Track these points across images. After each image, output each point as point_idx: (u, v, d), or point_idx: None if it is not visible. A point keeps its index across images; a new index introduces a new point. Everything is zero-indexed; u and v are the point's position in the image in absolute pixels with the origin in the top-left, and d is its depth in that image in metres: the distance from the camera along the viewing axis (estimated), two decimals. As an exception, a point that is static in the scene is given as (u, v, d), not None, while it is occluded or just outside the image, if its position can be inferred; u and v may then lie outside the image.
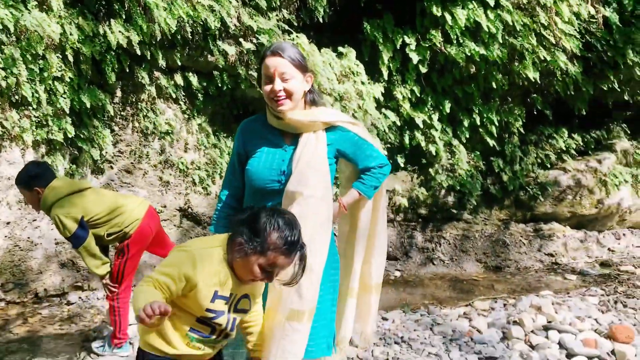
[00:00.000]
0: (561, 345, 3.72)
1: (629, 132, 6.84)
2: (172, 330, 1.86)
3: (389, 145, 5.60)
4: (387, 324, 4.09)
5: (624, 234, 6.45)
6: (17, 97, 4.16)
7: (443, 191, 5.86)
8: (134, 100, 4.83)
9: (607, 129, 6.75)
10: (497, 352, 3.55)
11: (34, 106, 4.25)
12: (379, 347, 3.67)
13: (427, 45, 5.48)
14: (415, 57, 5.45)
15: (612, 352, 3.66)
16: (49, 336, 3.97)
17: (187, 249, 1.87)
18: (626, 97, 6.42)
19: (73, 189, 3.28)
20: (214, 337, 1.92)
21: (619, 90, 6.19)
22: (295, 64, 2.26)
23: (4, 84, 4.05)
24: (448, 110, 5.69)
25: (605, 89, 6.22)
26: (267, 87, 2.26)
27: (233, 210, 2.39)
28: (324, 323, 2.39)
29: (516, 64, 5.73)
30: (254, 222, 1.86)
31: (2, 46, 4.01)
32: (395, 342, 3.79)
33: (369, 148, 2.44)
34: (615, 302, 4.45)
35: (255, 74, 4.90)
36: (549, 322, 3.96)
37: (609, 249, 6.12)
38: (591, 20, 5.95)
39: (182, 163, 5.02)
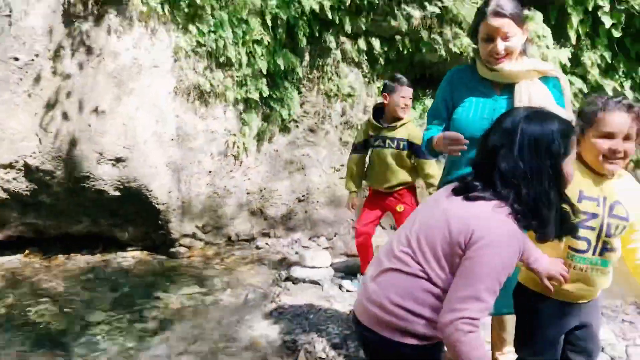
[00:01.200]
0: None
1: None
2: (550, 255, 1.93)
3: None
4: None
5: None
6: (223, 58, 4.61)
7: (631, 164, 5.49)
8: (320, 63, 5.11)
9: None
10: None
11: (236, 67, 4.68)
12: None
13: (622, 7, 5.10)
14: (608, 21, 5.11)
15: None
16: (244, 272, 4.44)
17: None
18: None
19: None
20: (591, 254, 1.93)
21: None
22: (517, 21, 2.26)
23: (213, 45, 4.51)
24: (642, 78, 5.29)
25: None
26: (488, 46, 2.29)
27: None
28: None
29: None
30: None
31: (213, 11, 4.46)
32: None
33: (562, 106, 2.41)
34: None
35: (438, 38, 4.94)
36: None
37: None
38: None
39: (360, 125, 5.23)
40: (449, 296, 1.51)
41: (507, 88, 2.37)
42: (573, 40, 5.21)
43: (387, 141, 3.74)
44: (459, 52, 4.96)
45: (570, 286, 1.95)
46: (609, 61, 5.29)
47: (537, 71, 2.37)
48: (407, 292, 1.59)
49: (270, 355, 3.16)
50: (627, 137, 1.86)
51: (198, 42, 4.44)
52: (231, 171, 4.93)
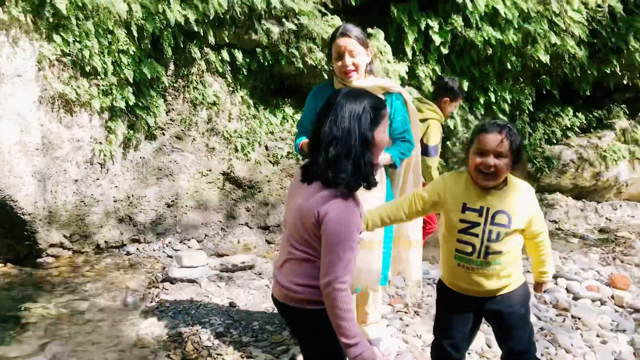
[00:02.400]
0: (568, 290, 4.32)
1: (627, 112, 7.40)
2: (445, 256, 2.40)
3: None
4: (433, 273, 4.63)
5: (620, 205, 7.06)
6: (88, 67, 4.65)
7: (459, 163, 6.43)
8: (185, 73, 5.32)
9: (607, 109, 7.32)
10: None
11: (102, 76, 4.74)
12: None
13: (448, 28, 5.98)
14: (437, 39, 5.96)
15: (612, 296, 4.26)
16: (118, 277, 4.52)
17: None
18: (625, 81, 6.97)
19: None
20: (476, 256, 2.28)
21: (620, 74, 6.74)
22: (360, 42, 2.82)
23: (79, 55, 4.54)
24: (466, 89, 6.18)
25: (608, 72, 6.76)
26: (339, 63, 2.81)
27: None
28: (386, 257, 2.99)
29: (529, 47, 6.26)
30: None
31: (78, 21, 4.49)
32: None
33: (407, 124, 3.00)
34: (614, 259, 5.06)
35: (295, 52, 5.41)
36: (557, 272, 4.56)
37: (606, 218, 6.72)
38: (598, 9, 6.47)
39: (226, 131, 5.53)
40: (321, 265, 1.92)
41: None
42: (410, 55, 5.98)
43: None
44: (314, 64, 5.47)
45: (462, 282, 2.35)
46: (439, 74, 6.14)
47: (381, 87, 2.93)
48: (301, 272, 2.01)
49: (158, 350, 3.36)
50: (498, 154, 2.17)
51: (63, 51, 4.44)
52: (98, 179, 4.95)
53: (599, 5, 6.44)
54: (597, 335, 3.62)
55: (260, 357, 3.20)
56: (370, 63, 2.94)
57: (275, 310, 2.87)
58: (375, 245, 2.88)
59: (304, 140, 2.93)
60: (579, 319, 3.85)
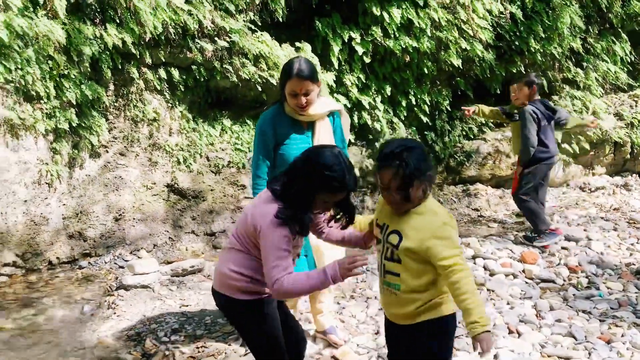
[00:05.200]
0: (485, 268, 4.89)
1: (534, 107, 8.20)
2: None
3: (341, 125, 6.63)
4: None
5: (534, 191, 7.81)
6: (32, 92, 4.89)
7: (387, 161, 6.97)
8: (125, 92, 5.61)
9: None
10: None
11: (45, 100, 4.98)
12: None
13: (369, 39, 6.52)
14: (360, 50, 6.49)
15: (523, 270, 4.86)
16: (73, 290, 4.76)
17: None
18: (531, 78, 7.74)
19: None
20: (380, 274, 2.33)
21: (524, 72, 7.48)
22: (313, 81, 3.11)
23: (22, 81, 4.78)
24: (389, 93, 6.76)
25: (514, 71, 7.52)
26: (294, 100, 3.10)
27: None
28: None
29: (442, 53, 6.91)
30: None
31: (19, 49, 4.73)
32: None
33: (342, 135, 3.46)
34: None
35: (229, 67, 5.81)
36: (476, 252, 5.14)
37: (522, 203, 7.45)
38: (501, 15, 7.21)
39: (168, 145, 5.85)
40: (264, 270, 2.27)
41: (310, 124, 3.28)
42: (336, 65, 6.47)
43: None
44: (247, 78, 5.88)
45: (381, 300, 2.41)
46: (364, 81, 6.67)
47: (329, 111, 3.34)
48: (238, 260, 2.40)
49: (120, 349, 3.68)
50: (389, 188, 2.17)
51: (6, 78, 4.66)
52: (46, 198, 5.17)
53: (501, 12, 7.17)
54: (507, 303, 4.19)
55: (213, 346, 3.58)
56: (319, 90, 3.31)
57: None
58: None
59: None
60: (493, 291, 4.41)
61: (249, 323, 2.44)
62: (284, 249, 2.22)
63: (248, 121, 6.36)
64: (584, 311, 4.05)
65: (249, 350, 3.33)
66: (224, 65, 5.83)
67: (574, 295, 4.36)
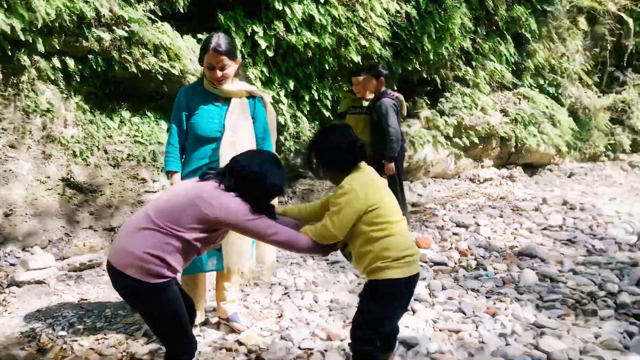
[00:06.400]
0: (382, 253, 5.14)
1: (429, 103, 8.69)
2: None
3: (244, 118, 6.67)
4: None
5: (429, 183, 8.26)
6: None
7: (292, 154, 7.12)
8: (15, 81, 5.32)
9: (413, 101, 8.52)
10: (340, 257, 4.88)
11: None
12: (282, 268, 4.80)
13: (272, 33, 6.61)
14: (263, 43, 6.55)
15: (417, 254, 5.17)
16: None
17: None
18: (425, 75, 8.20)
19: None
20: None
21: (420, 69, 7.91)
22: (230, 58, 3.28)
23: None
24: (292, 88, 6.88)
25: (410, 69, 7.91)
26: (211, 73, 3.26)
27: (181, 153, 3.37)
28: None
29: (343, 49, 7.13)
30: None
31: None
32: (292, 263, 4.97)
33: (266, 123, 3.55)
34: (420, 225, 6.04)
35: (128, 57, 5.68)
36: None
37: (418, 194, 7.85)
38: (397, 14, 7.55)
39: (63, 137, 5.62)
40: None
41: (227, 100, 3.38)
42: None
43: None
44: (148, 69, 5.78)
45: None
46: (268, 75, 6.75)
47: (246, 91, 3.43)
48: (154, 243, 2.40)
49: (11, 346, 3.52)
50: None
51: None
52: None
53: (397, 12, 7.51)
54: (403, 285, 4.44)
55: (114, 337, 3.53)
56: (238, 69, 3.42)
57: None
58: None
59: None
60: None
61: (154, 305, 2.46)
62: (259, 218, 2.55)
63: (148, 113, 6.25)
64: (472, 289, 4.39)
65: (151, 340, 3.34)
66: (122, 55, 5.69)
67: (464, 275, 4.71)
